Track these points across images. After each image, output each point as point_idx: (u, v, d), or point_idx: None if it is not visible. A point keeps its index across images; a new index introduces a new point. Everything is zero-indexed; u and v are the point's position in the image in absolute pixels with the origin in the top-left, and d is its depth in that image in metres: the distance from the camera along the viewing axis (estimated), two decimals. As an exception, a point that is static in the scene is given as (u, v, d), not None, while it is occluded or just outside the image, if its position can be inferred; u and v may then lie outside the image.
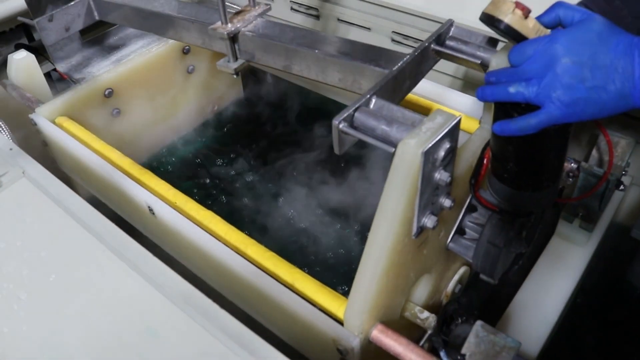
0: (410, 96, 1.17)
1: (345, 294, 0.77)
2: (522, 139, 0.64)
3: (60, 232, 0.86)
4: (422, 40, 0.80)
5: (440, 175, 0.68)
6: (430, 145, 0.63)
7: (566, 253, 0.99)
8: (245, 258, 0.87)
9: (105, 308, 0.74)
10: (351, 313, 0.73)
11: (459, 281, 0.98)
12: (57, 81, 1.90)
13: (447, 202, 0.73)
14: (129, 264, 0.78)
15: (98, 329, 0.72)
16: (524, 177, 0.71)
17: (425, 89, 1.16)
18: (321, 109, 1.62)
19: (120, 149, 1.13)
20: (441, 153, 0.66)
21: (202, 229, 0.92)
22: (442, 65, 1.28)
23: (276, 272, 0.84)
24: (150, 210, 0.98)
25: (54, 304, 0.76)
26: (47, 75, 1.74)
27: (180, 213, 0.96)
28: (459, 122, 0.68)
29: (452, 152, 0.69)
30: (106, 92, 1.30)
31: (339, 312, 0.77)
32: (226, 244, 0.90)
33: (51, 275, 0.79)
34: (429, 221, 0.71)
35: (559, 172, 0.73)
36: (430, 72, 1.32)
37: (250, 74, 1.68)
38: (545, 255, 1.00)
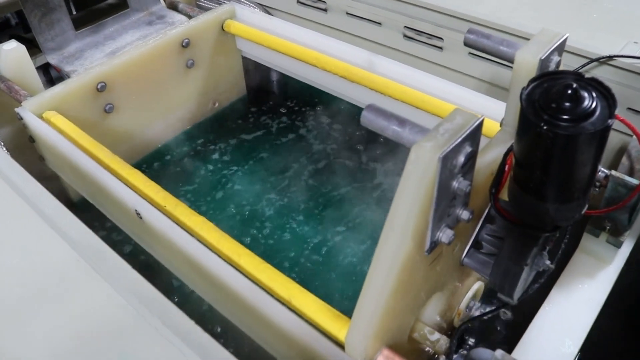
0: (422, 96, 1.09)
1: (348, 312, 0.69)
2: (553, 142, 0.56)
3: (30, 237, 0.77)
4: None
5: (459, 184, 0.60)
6: (449, 149, 0.55)
7: (591, 270, 0.90)
8: (237, 269, 0.79)
9: (75, 326, 0.66)
10: (353, 337, 0.65)
11: (473, 298, 0.90)
12: (57, 79, 1.83)
13: (464, 214, 0.65)
14: (105, 276, 0.69)
15: (65, 349, 0.63)
16: (553, 187, 0.63)
17: (439, 89, 1.08)
18: (329, 106, 1.54)
19: (113, 147, 1.06)
20: (461, 159, 0.58)
21: (193, 235, 0.85)
22: (468, 67, 1.21)
23: (271, 286, 0.76)
24: (137, 213, 0.90)
25: (18, 319, 0.68)
26: (45, 70, 1.67)
27: (170, 218, 0.88)
28: (481, 124, 0.59)
29: (472, 158, 0.60)
30: (99, 86, 1.22)
31: (340, 335, 0.69)
32: (218, 252, 0.82)
33: (16, 287, 0.71)
34: (444, 235, 0.62)
35: (592, 182, 0.65)
36: (454, 75, 1.25)
37: (253, 70, 1.60)
38: (568, 272, 0.91)
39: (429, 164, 0.55)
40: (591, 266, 0.91)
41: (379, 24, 1.32)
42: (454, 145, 0.56)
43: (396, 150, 1.38)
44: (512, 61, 0.76)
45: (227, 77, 1.54)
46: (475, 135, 0.59)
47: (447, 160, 0.55)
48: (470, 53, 1.18)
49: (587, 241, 0.92)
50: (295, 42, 1.30)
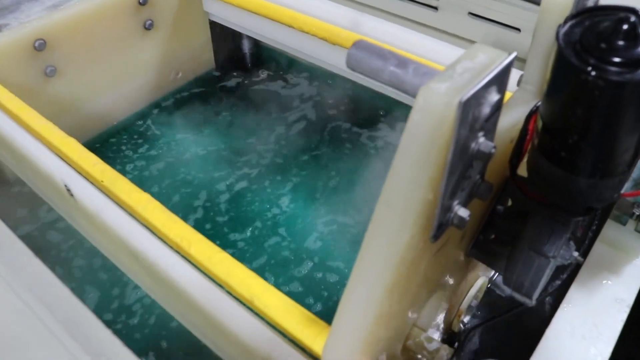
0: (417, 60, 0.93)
1: (326, 316, 0.53)
2: (601, 94, 0.41)
3: None
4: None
5: (480, 146, 0.44)
6: (471, 93, 0.39)
7: (617, 264, 0.76)
8: (187, 259, 0.62)
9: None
10: (334, 350, 0.49)
11: (475, 296, 0.76)
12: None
13: (482, 189, 0.49)
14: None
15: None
16: (592, 156, 0.47)
17: (435, 51, 0.92)
18: (308, 78, 1.38)
19: (56, 118, 0.88)
20: (486, 109, 0.42)
21: (134, 217, 0.68)
22: (468, 30, 1.06)
23: (228, 282, 0.59)
24: (67, 189, 0.73)
25: None
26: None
27: (107, 195, 0.71)
28: (511, 64, 0.44)
29: (498, 111, 0.45)
30: (36, 44, 1.04)
31: (316, 345, 0.53)
32: (164, 238, 0.65)
33: None
34: (455, 216, 0.47)
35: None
36: (452, 39, 1.10)
37: (224, 36, 1.43)
38: (588, 266, 0.76)
39: (444, 113, 0.38)
40: (616, 259, 0.76)
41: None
42: (478, 88, 0.40)
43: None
44: (536, 1, 0.61)
45: (192, 44, 1.37)
46: (503, 79, 0.43)
47: (468, 108, 0.39)
48: (470, 13, 1.03)
49: (611, 229, 0.78)
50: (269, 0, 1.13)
